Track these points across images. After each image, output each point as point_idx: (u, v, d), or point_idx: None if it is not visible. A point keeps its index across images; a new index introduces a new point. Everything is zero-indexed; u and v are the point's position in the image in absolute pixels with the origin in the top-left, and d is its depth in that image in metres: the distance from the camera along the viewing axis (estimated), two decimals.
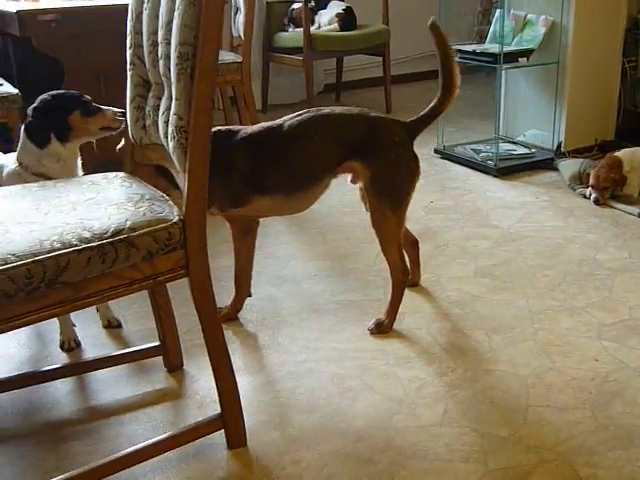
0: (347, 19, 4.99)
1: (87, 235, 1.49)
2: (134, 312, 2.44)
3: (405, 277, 2.31)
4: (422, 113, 2.29)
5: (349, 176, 2.29)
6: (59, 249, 1.44)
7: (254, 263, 2.42)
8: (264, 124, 2.26)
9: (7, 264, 1.39)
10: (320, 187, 2.25)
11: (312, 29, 4.86)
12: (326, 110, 2.24)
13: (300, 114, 2.22)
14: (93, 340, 2.30)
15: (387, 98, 5.13)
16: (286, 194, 2.21)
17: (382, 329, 2.28)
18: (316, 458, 1.75)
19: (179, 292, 2.02)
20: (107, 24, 3.37)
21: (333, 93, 5.63)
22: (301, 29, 4.79)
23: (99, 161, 3.49)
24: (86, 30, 3.39)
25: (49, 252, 1.43)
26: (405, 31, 5.56)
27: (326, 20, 5.03)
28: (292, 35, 4.97)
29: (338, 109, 2.27)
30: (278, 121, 2.23)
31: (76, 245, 1.46)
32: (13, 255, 1.41)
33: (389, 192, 2.21)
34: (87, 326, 2.37)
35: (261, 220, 2.38)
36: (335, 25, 4.97)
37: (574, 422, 1.84)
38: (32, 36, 3.31)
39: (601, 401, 1.93)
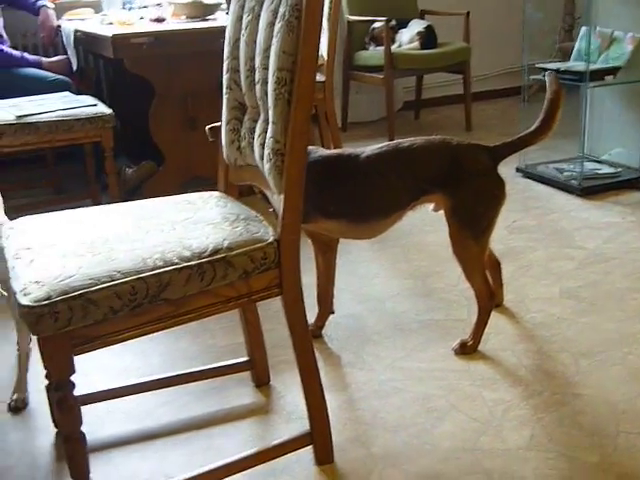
0: (428, 37, 5.01)
1: (187, 254, 1.55)
2: (222, 327, 2.51)
3: (491, 302, 2.30)
4: (510, 140, 2.27)
5: (430, 205, 2.29)
6: (161, 267, 1.50)
7: (336, 280, 2.46)
8: (342, 150, 2.29)
9: (113, 281, 1.46)
10: (389, 220, 2.25)
11: (393, 47, 4.89)
12: (406, 144, 2.23)
13: (381, 147, 2.23)
14: (184, 354, 2.37)
15: (467, 116, 5.12)
16: (351, 222, 2.23)
17: (466, 350, 2.28)
18: (402, 477, 1.77)
19: (265, 309, 2.08)
20: (197, 47, 3.50)
21: (412, 111, 5.64)
22: (382, 47, 4.83)
23: (184, 178, 3.60)
24: (176, 52, 3.51)
25: (152, 270, 1.49)
26: (486, 48, 5.54)
27: (407, 39, 5.06)
28: (373, 53, 5.01)
29: (419, 141, 2.24)
30: (357, 151, 2.25)
31: (177, 263, 1.52)
32: (119, 272, 1.48)
33: (471, 222, 2.20)
34: (178, 340, 2.44)
35: (343, 239, 2.41)
36: (416, 43, 4.99)
37: None
38: (124, 58, 3.45)
39: None
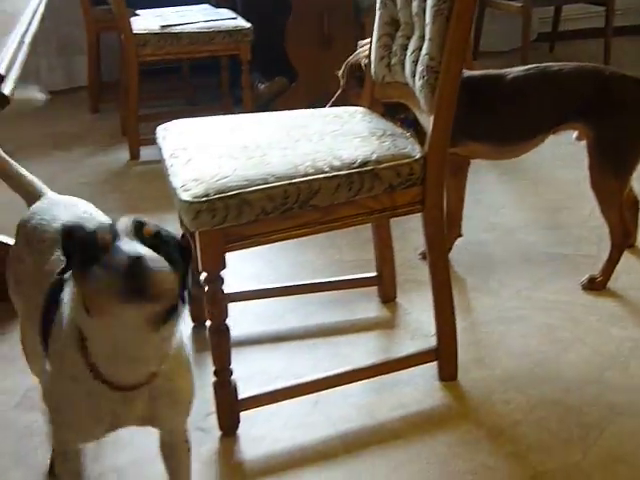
0: None
1: (337, 164, 1.59)
2: (348, 243, 2.57)
3: (626, 240, 2.25)
4: None
5: (574, 132, 2.25)
6: (312, 174, 1.56)
7: (464, 207, 2.46)
8: (488, 71, 2.26)
9: (267, 184, 1.53)
10: (534, 142, 2.23)
11: None
12: (555, 67, 2.18)
13: (528, 68, 2.20)
14: (311, 265, 2.45)
15: (606, 51, 4.89)
16: (497, 144, 2.23)
17: (595, 286, 2.26)
18: (525, 401, 1.80)
19: (394, 229, 2.13)
20: None
21: (547, 43, 5.44)
22: None
23: (315, 96, 3.63)
24: None
25: (304, 176, 1.55)
26: None
27: None
28: None
29: (569, 66, 2.18)
30: (503, 71, 2.22)
31: (327, 172, 1.57)
32: (272, 176, 1.54)
33: (613, 156, 2.14)
34: (305, 252, 2.52)
35: (471, 166, 2.40)
36: None
37: None
38: None
39: None
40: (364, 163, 1.61)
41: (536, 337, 2.04)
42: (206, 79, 4.28)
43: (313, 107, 2.05)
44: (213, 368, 1.66)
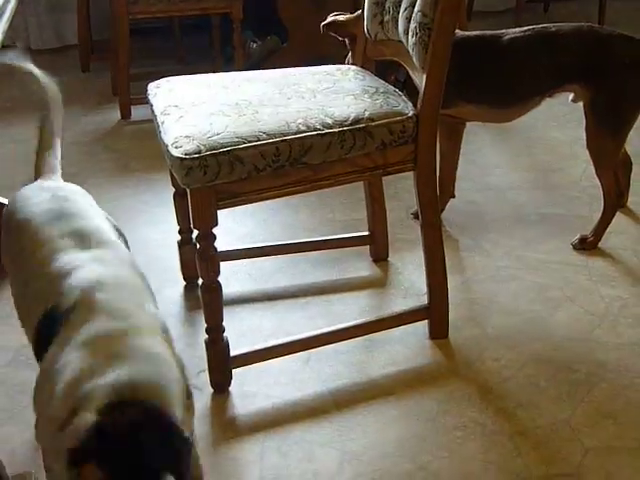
0: None
1: (329, 121, 1.58)
2: (340, 203, 2.56)
3: (619, 200, 2.26)
4: None
5: (570, 94, 2.23)
6: (304, 131, 1.55)
7: (458, 167, 2.46)
8: (484, 32, 2.24)
9: (259, 141, 1.52)
10: (529, 105, 2.22)
11: None
12: (552, 28, 2.16)
13: (524, 30, 2.17)
14: (303, 225, 2.45)
15: (601, 12, 4.84)
16: (492, 106, 2.22)
17: (586, 246, 2.27)
18: (515, 358, 1.82)
19: (386, 188, 2.12)
20: None
21: (541, 3, 5.38)
22: None
23: (307, 56, 3.60)
24: None
25: (295, 133, 1.54)
26: None
27: None
28: None
29: (566, 27, 2.16)
30: (499, 32, 2.20)
31: (319, 129, 1.56)
32: (264, 133, 1.53)
33: (611, 117, 2.13)
34: (297, 212, 2.52)
35: (466, 126, 2.39)
36: None
37: None
38: None
39: None
40: (356, 120, 1.60)
41: (527, 296, 2.06)
42: (197, 38, 4.23)
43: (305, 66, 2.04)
44: (205, 326, 1.66)
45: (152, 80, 1.95)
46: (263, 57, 3.78)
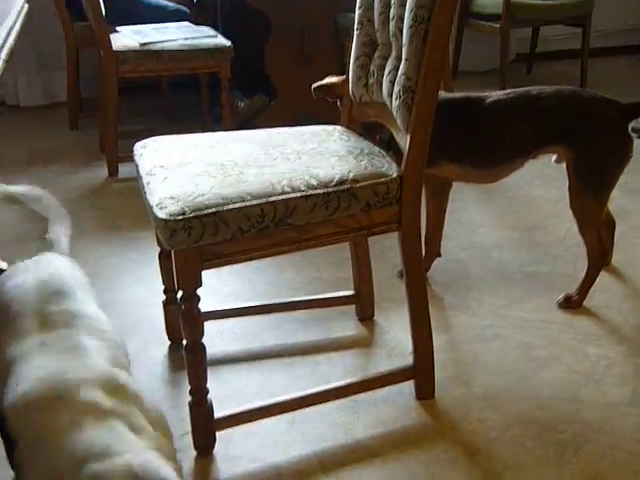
0: None
1: (314, 182, 1.60)
2: (326, 262, 2.57)
3: (602, 259, 2.28)
4: None
5: (553, 156, 2.27)
6: (289, 193, 1.56)
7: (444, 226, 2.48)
8: (468, 94, 2.28)
9: (244, 202, 1.53)
10: (512, 166, 2.25)
11: None
12: (534, 91, 2.21)
13: (508, 93, 2.22)
14: (289, 284, 2.45)
15: (583, 72, 4.94)
16: (475, 167, 2.24)
17: (571, 304, 2.28)
18: (501, 419, 1.81)
19: (372, 247, 2.13)
20: None
21: (524, 63, 5.50)
22: None
23: (295, 115, 3.65)
24: None
25: (280, 195, 1.55)
26: (610, 2, 5.32)
27: None
28: (491, 1, 4.88)
29: (548, 90, 2.21)
30: (482, 94, 2.24)
31: (304, 191, 1.57)
32: (249, 195, 1.54)
33: (593, 177, 2.16)
34: (283, 271, 2.52)
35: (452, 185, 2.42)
36: None
37: None
38: None
39: None
40: (341, 182, 1.61)
41: (513, 355, 2.05)
42: (186, 96, 4.29)
43: (293, 126, 2.06)
44: (189, 387, 1.65)
45: (140, 138, 1.96)
46: (252, 116, 3.83)
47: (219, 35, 3.53)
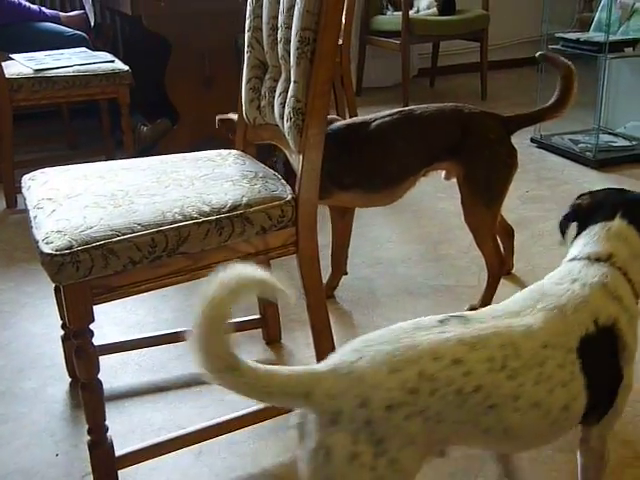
0: (446, 4, 4.97)
1: (206, 209, 1.57)
2: None
3: (501, 269, 2.33)
4: (525, 113, 2.28)
5: (442, 172, 2.31)
6: (180, 221, 1.53)
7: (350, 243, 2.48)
8: (353, 120, 2.31)
9: (134, 233, 1.48)
10: (404, 186, 2.27)
11: (411, 13, 4.86)
12: (418, 111, 2.24)
13: (391, 114, 2.24)
14: None
15: (483, 85, 5.09)
16: (366, 192, 2.25)
17: None
18: None
19: (277, 268, 2.09)
20: (214, 5, 3.48)
21: (427, 77, 5.62)
22: (400, 12, 4.80)
23: (199, 137, 3.61)
24: (194, 10, 3.50)
25: (171, 223, 1.52)
26: (505, 16, 5.49)
27: (425, 4, 5.02)
28: (390, 18, 4.98)
29: (431, 108, 2.24)
30: (367, 118, 2.26)
31: (196, 218, 1.54)
32: (139, 225, 1.50)
33: (483, 189, 2.22)
34: (189, 297, 2.47)
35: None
36: (434, 9, 4.95)
37: None
38: (143, 15, 3.44)
39: None
40: (234, 207, 1.59)
41: None
42: (88, 122, 4.19)
43: (197, 148, 2.03)
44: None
45: (40, 166, 1.91)
46: (155, 140, 3.77)
47: (117, 60, 3.47)
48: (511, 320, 1.19)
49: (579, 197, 1.44)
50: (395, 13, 4.97)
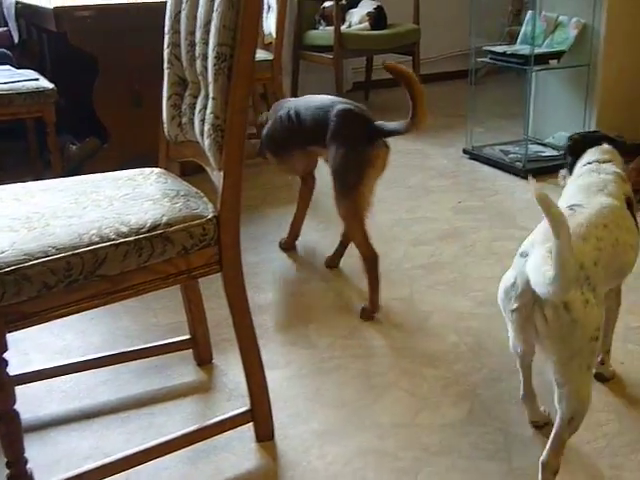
0: (378, 18, 5.01)
1: (124, 230, 1.53)
2: (164, 306, 2.49)
3: (373, 255, 2.43)
4: (389, 125, 2.40)
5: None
6: (97, 242, 1.48)
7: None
8: (287, 100, 2.87)
9: (48, 256, 1.43)
10: (295, 157, 2.71)
11: (343, 28, 4.88)
12: (316, 101, 2.57)
13: (299, 100, 2.74)
14: (125, 332, 2.35)
15: None
16: (281, 158, 2.76)
17: (368, 313, 2.39)
18: (341, 453, 1.79)
19: (208, 287, 2.06)
20: (142, 21, 3.43)
21: (362, 91, 5.65)
22: (332, 27, 4.81)
23: (129, 156, 3.55)
24: (121, 26, 3.45)
25: (88, 245, 1.47)
26: (436, 30, 5.57)
27: (357, 19, 5.05)
28: (323, 33, 4.99)
29: (324, 98, 2.57)
30: (292, 103, 2.69)
31: (114, 239, 1.50)
32: (54, 248, 1.45)
33: (338, 179, 2.41)
34: (118, 319, 2.42)
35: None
36: (366, 24, 4.99)
37: (598, 424, 1.86)
38: (68, 31, 3.37)
39: (626, 403, 1.94)
40: (154, 227, 1.55)
41: (353, 385, 2.05)
42: (13, 143, 4.09)
43: (127, 167, 1.98)
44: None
45: None
46: (84, 159, 3.69)
47: (41, 78, 3.39)
48: (593, 202, 1.76)
49: (570, 138, 2.06)
50: (327, 28, 4.99)
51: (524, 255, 1.61)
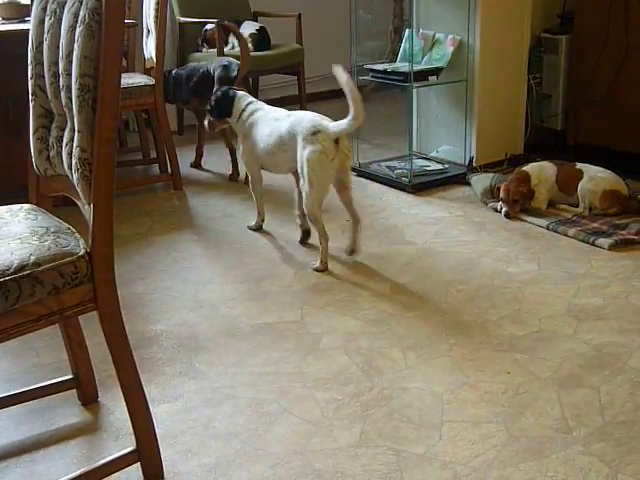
0: (261, 39, 5.02)
1: None
2: (46, 345, 2.39)
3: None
4: None
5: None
6: None
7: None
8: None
9: None
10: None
11: (226, 49, 4.86)
12: (203, 67, 3.84)
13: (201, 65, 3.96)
14: (4, 375, 2.24)
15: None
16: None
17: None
18: None
19: (92, 321, 1.98)
20: (14, 50, 3.28)
21: None
22: (215, 50, 4.78)
23: (7, 189, 3.41)
24: None
25: None
26: (319, 50, 5.61)
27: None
28: (206, 56, 4.95)
29: (203, 67, 3.58)
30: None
31: None
32: None
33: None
34: None
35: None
36: (249, 45, 4.97)
37: (487, 436, 1.89)
38: None
39: (513, 413, 1.98)
40: (21, 268, 1.48)
41: (244, 414, 2.01)
42: None
43: (6, 200, 1.89)
44: None
45: None
46: None
47: None
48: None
49: (214, 95, 3.24)
50: (210, 50, 4.95)
51: None
